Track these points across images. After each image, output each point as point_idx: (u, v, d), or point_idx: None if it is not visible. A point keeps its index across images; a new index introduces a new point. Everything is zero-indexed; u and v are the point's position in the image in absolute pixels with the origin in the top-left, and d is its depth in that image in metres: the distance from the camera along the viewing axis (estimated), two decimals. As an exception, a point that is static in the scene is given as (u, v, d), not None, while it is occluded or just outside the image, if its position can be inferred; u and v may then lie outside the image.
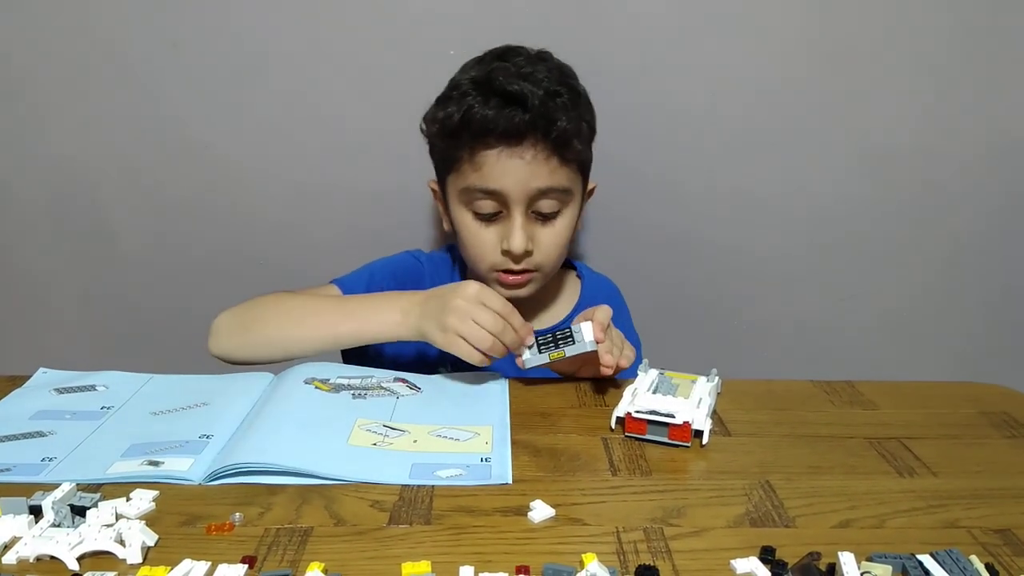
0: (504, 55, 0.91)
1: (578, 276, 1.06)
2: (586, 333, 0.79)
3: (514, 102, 0.85)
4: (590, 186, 0.99)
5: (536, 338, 0.82)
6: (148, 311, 1.23)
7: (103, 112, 1.12)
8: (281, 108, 1.12)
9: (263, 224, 1.18)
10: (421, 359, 0.96)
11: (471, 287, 0.80)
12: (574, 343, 0.79)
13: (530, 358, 0.81)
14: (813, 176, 1.17)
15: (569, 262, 1.07)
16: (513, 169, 0.86)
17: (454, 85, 0.91)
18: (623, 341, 0.86)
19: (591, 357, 0.81)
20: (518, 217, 0.88)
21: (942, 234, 1.20)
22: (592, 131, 0.94)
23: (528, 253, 0.90)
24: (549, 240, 0.91)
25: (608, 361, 0.80)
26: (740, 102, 1.12)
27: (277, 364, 0.87)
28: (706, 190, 1.17)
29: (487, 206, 0.89)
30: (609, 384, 0.85)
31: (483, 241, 0.91)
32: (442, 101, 0.92)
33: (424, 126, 0.94)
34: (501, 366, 0.85)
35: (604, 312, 0.82)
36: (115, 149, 1.14)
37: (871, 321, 1.25)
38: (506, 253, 0.90)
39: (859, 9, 1.08)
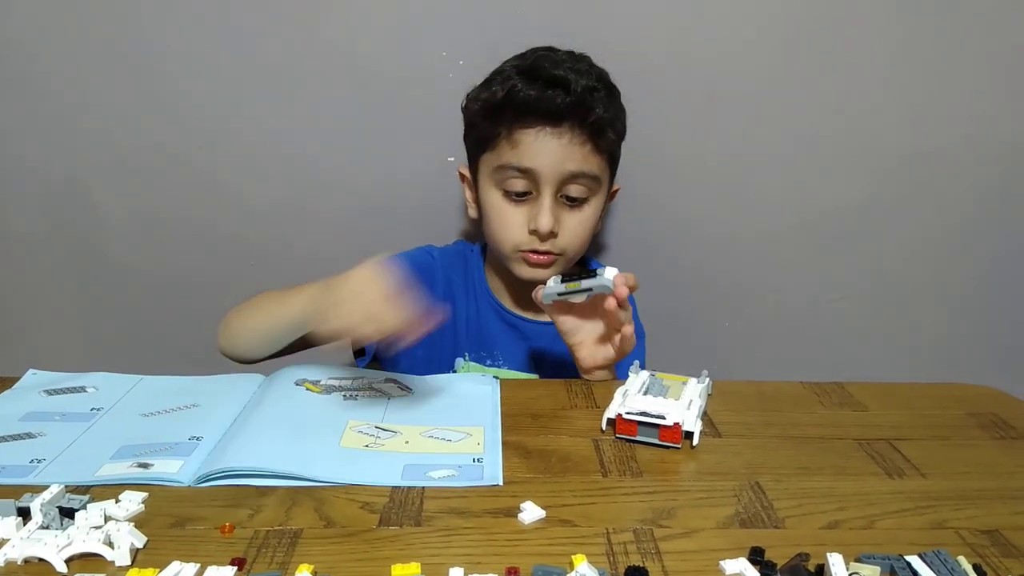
0: (546, 51, 0.96)
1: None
2: (608, 272, 0.80)
3: (557, 85, 0.89)
4: (614, 187, 1.03)
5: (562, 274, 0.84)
6: (139, 313, 1.22)
7: (96, 114, 1.12)
8: (275, 114, 1.12)
9: (256, 227, 1.18)
10: (437, 357, 1.00)
11: (359, 269, 0.74)
12: (594, 278, 0.80)
13: (549, 289, 0.82)
14: (805, 178, 1.17)
15: (583, 258, 1.09)
16: (549, 149, 0.90)
17: (497, 71, 0.96)
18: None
19: (599, 331, 0.85)
20: (547, 198, 0.92)
21: (933, 237, 1.21)
22: (623, 130, 0.98)
23: (553, 235, 0.93)
24: (574, 225, 0.95)
25: (621, 293, 0.79)
26: (734, 106, 1.13)
27: (269, 365, 0.87)
28: (698, 191, 1.17)
29: (519, 184, 0.92)
30: (600, 386, 0.85)
31: (510, 220, 0.94)
32: (485, 84, 0.96)
33: (464, 109, 0.98)
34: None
35: (628, 275, 0.83)
36: (108, 151, 1.14)
37: (862, 323, 1.25)
38: (533, 233, 0.93)
39: (858, 11, 1.08)
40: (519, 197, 0.93)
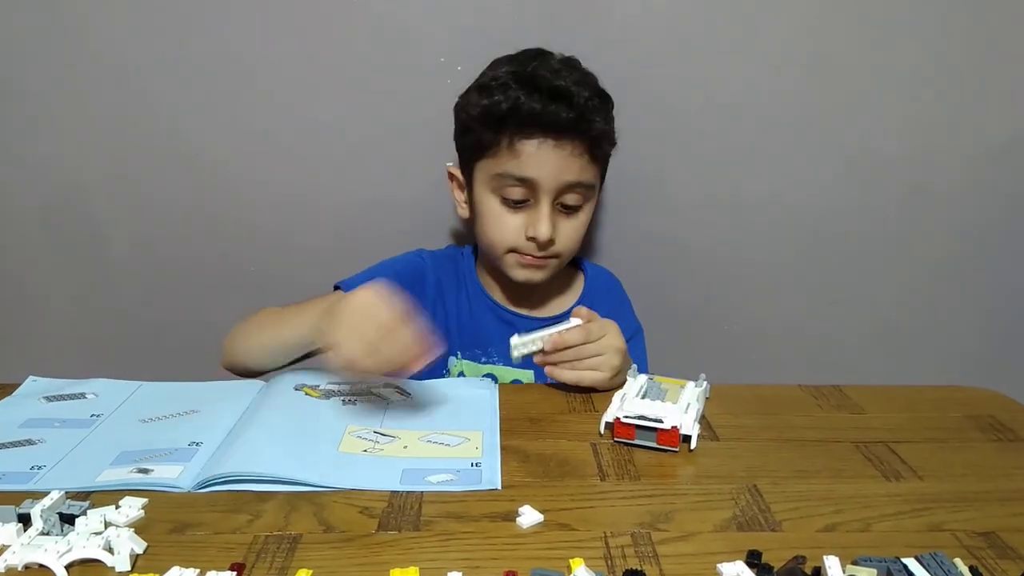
0: (539, 56, 0.97)
1: (581, 270, 1.10)
2: (572, 321, 0.83)
3: (560, 99, 0.90)
4: None
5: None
6: (139, 319, 1.22)
7: (94, 119, 1.12)
8: (273, 116, 1.12)
9: (255, 232, 1.18)
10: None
11: (359, 296, 0.73)
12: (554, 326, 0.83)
13: (517, 352, 0.83)
14: (802, 181, 1.17)
15: (576, 259, 1.09)
16: (550, 161, 0.92)
17: (493, 77, 0.95)
18: (601, 338, 0.85)
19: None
20: (545, 207, 0.93)
21: (930, 238, 1.21)
22: (615, 138, 1.00)
23: (551, 241, 0.95)
24: (569, 232, 0.97)
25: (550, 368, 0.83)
26: (729, 108, 1.13)
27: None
28: (696, 195, 1.17)
29: (517, 193, 0.94)
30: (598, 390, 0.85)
31: (506, 225, 0.96)
32: (483, 90, 0.95)
33: (460, 111, 0.98)
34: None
35: (587, 311, 0.85)
36: (107, 156, 1.14)
37: (860, 326, 1.25)
38: (531, 239, 0.95)
39: (849, 15, 1.09)
40: (516, 204, 0.95)
